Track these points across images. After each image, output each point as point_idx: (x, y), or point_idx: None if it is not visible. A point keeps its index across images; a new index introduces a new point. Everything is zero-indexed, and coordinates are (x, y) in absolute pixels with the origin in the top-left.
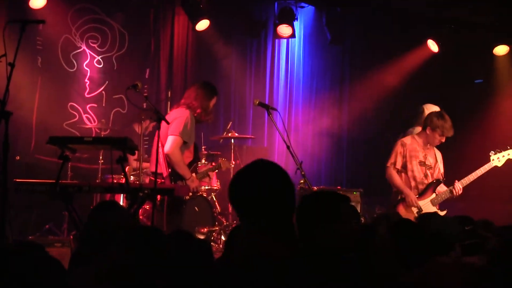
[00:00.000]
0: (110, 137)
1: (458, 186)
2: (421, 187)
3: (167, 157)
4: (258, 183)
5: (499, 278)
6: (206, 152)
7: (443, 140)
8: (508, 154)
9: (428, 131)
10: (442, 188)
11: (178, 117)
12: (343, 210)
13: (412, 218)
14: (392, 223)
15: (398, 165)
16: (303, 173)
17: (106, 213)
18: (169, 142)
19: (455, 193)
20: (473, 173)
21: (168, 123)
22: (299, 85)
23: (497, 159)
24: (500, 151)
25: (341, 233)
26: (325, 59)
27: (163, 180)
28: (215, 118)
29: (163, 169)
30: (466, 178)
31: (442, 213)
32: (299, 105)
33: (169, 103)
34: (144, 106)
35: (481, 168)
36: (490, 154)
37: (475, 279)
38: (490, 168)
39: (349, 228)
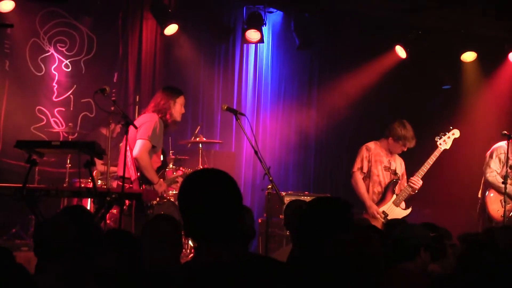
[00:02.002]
0: (78, 141)
1: (415, 178)
2: None
3: (135, 161)
4: (202, 193)
5: (461, 284)
6: (174, 156)
7: (405, 149)
8: (453, 134)
9: (390, 141)
10: (401, 186)
11: (147, 121)
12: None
13: (379, 224)
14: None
15: (365, 170)
16: (270, 178)
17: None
18: (138, 146)
19: (415, 186)
20: (425, 163)
21: (136, 127)
22: (267, 90)
23: (444, 142)
24: (445, 134)
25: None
26: (293, 64)
27: (131, 185)
28: (183, 122)
29: (132, 173)
30: (420, 170)
31: (407, 212)
32: (267, 110)
33: (137, 107)
34: (112, 110)
35: (432, 156)
36: (436, 139)
37: (437, 285)
38: (439, 153)
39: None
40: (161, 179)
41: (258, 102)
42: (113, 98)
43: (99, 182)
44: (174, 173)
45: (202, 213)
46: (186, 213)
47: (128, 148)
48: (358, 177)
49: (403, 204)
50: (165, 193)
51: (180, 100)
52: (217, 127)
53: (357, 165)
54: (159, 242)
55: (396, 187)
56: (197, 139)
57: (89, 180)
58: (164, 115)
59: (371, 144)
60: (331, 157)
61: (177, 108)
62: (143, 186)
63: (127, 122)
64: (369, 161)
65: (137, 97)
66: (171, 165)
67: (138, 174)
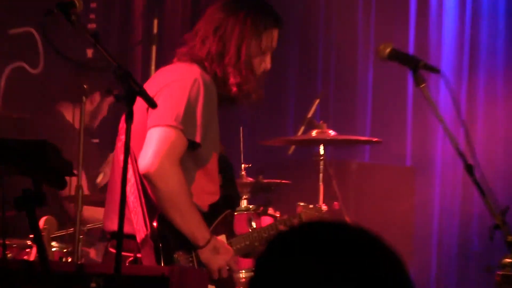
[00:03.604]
0: (4, 139)
1: None
2: None
3: (146, 179)
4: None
5: None
6: (251, 179)
7: None
8: None
9: None
10: None
11: (172, 81)
12: None
13: None
14: None
15: None
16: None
17: None
18: (152, 144)
19: None
20: None
21: (154, 105)
22: (495, 21)
23: None
24: None
25: None
26: None
27: (139, 254)
28: (278, 93)
29: (138, 220)
30: None
31: None
32: (497, 67)
33: (154, 49)
34: (89, 56)
35: None
36: None
37: None
38: None
39: None
40: (221, 237)
41: (470, 47)
42: (90, 26)
43: (54, 247)
44: (253, 223)
45: None
46: None
47: (130, 155)
48: None
49: None
50: (230, 271)
51: (272, 35)
52: (366, 102)
53: None
54: None
55: None
56: (314, 133)
57: (29, 241)
58: (223, 69)
59: None
60: None
61: (259, 54)
62: (178, 255)
63: (130, 88)
64: None
65: (155, 25)
66: (245, 202)
67: (155, 223)
